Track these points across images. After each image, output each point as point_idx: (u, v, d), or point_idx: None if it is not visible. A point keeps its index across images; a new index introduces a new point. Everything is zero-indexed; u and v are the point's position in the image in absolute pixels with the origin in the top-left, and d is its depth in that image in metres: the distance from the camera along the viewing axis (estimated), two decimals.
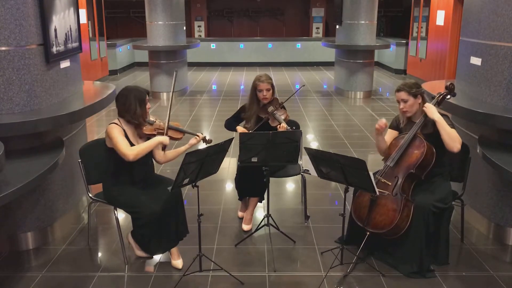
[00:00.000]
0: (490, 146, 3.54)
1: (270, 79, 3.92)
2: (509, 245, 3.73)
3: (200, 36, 16.47)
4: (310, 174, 3.36)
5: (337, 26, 10.13)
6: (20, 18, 3.36)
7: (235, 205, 4.41)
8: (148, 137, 3.42)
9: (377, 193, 3.07)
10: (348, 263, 3.35)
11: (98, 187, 3.60)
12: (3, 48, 3.32)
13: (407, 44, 12.71)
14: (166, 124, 3.38)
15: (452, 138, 3.22)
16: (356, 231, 3.46)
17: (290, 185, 5.06)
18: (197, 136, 3.46)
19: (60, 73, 3.91)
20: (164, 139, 3.32)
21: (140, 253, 3.52)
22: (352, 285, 3.20)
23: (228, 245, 3.75)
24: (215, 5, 17.19)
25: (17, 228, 3.63)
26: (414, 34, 12.09)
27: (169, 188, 2.98)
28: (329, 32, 16.87)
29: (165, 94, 9.70)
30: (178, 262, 3.41)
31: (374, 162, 5.37)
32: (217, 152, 3.11)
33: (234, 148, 3.65)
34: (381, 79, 12.45)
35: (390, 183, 3.35)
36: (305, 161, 3.35)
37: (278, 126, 3.76)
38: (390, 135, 3.61)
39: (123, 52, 13.77)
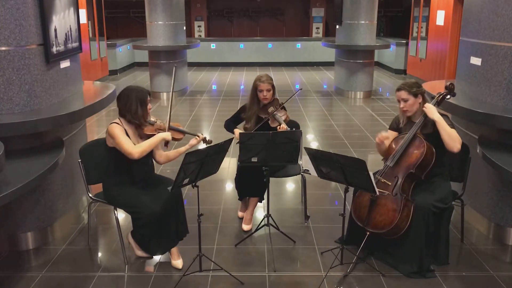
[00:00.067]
0: (490, 146, 3.54)
1: (271, 79, 3.92)
2: (509, 245, 3.73)
3: (200, 36, 16.47)
4: (310, 174, 3.36)
5: (337, 26, 10.13)
6: (20, 18, 3.36)
7: (235, 205, 4.41)
8: (149, 137, 3.42)
9: (377, 193, 3.07)
10: (348, 263, 3.36)
11: (98, 187, 3.60)
12: (3, 48, 3.32)
13: (407, 44, 12.71)
14: (167, 125, 3.39)
15: (452, 138, 3.22)
16: (356, 231, 3.46)
17: (290, 185, 5.06)
18: (198, 136, 3.47)
19: (60, 73, 3.91)
20: (167, 135, 3.32)
21: (140, 253, 3.52)
22: (352, 285, 3.20)
23: (228, 245, 3.75)
24: (215, 5, 17.20)
25: (17, 228, 3.63)
26: (414, 34, 12.09)
27: (169, 188, 2.98)
28: (329, 32, 16.87)
29: (165, 94, 9.70)
30: (178, 262, 3.41)
31: (374, 162, 5.37)
32: (217, 152, 3.11)
33: (234, 148, 3.65)
34: (381, 79, 12.46)
35: (390, 183, 3.35)
36: (305, 161, 3.35)
37: (278, 127, 3.76)
38: (390, 135, 3.61)
39: (123, 52, 13.77)
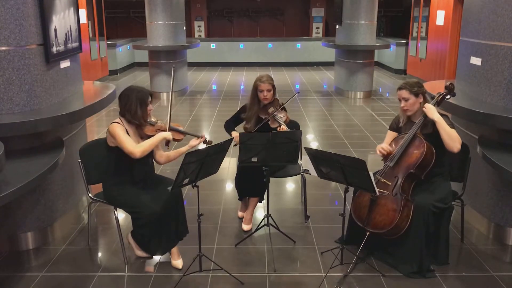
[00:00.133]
0: (490, 146, 3.54)
1: (272, 79, 3.92)
2: (509, 245, 3.73)
3: (200, 36, 16.47)
4: (310, 174, 3.36)
5: (337, 26, 10.13)
6: (20, 18, 3.36)
7: (235, 205, 4.41)
8: (150, 137, 3.42)
9: (377, 193, 3.07)
10: (348, 263, 3.36)
11: (98, 187, 3.60)
12: (3, 48, 3.32)
13: (407, 44, 12.71)
14: (168, 125, 3.39)
15: (452, 138, 3.22)
16: (356, 231, 3.46)
17: (290, 185, 5.06)
18: (198, 137, 3.47)
19: (60, 73, 3.91)
20: (168, 134, 3.33)
21: (140, 253, 3.52)
22: (352, 285, 3.20)
23: (228, 245, 3.75)
24: (215, 5, 17.20)
25: (17, 228, 3.63)
26: (414, 34, 12.09)
27: (169, 188, 2.98)
28: (329, 32, 16.87)
29: (165, 94, 9.70)
30: (178, 262, 3.41)
31: (374, 162, 5.37)
32: (217, 152, 3.11)
33: (234, 148, 3.65)
34: (381, 79, 12.46)
35: (390, 183, 3.35)
36: (305, 161, 3.35)
37: (278, 128, 3.75)
38: (389, 136, 3.61)
39: (123, 52, 13.77)
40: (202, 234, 3.27)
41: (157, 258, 3.53)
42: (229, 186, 4.95)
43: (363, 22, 9.46)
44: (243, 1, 17.20)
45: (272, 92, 3.92)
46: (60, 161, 3.44)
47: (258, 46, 14.88)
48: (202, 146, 3.43)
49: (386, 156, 3.49)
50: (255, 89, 3.93)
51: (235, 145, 3.56)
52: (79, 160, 3.47)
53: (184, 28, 10.06)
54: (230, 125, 4.09)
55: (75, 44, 4.28)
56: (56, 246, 3.72)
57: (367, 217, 3.35)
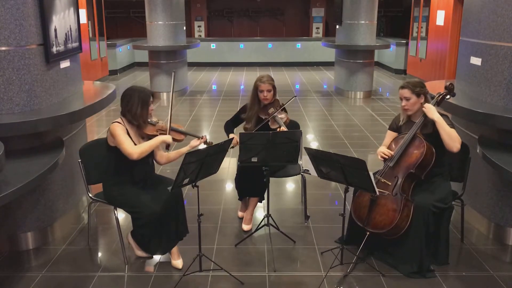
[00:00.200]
0: (490, 146, 3.54)
1: (272, 80, 3.92)
2: (509, 245, 3.73)
3: (200, 36, 16.47)
4: (310, 174, 3.36)
5: (337, 26, 10.13)
6: (20, 18, 3.36)
7: (235, 205, 4.41)
8: (150, 138, 3.43)
9: (377, 193, 3.07)
10: (348, 263, 3.36)
11: (98, 187, 3.60)
12: (3, 48, 3.32)
13: (407, 44, 12.71)
14: (168, 125, 3.39)
15: (451, 138, 3.22)
16: (356, 231, 3.46)
17: (290, 185, 5.06)
18: (199, 138, 3.47)
19: (60, 73, 3.91)
20: (167, 138, 3.32)
21: (140, 253, 3.52)
22: (352, 285, 3.20)
23: (228, 245, 3.75)
24: (215, 5, 17.20)
25: (17, 228, 3.63)
26: (414, 34, 12.09)
27: (169, 188, 2.98)
28: (329, 32, 16.87)
29: (165, 94, 9.70)
30: (178, 262, 3.41)
31: (374, 162, 5.37)
32: (217, 152, 3.11)
33: (234, 148, 3.65)
34: (381, 79, 12.46)
35: (390, 183, 3.35)
36: (305, 161, 3.35)
37: (278, 129, 3.75)
38: (389, 136, 3.61)
39: (123, 52, 13.77)
40: (202, 234, 3.27)
41: (157, 258, 3.54)
42: (229, 186, 4.95)
43: (363, 22, 9.46)
44: (243, 1, 17.20)
45: (272, 92, 3.92)
46: (60, 161, 3.44)
47: (258, 46, 14.88)
48: (203, 147, 3.43)
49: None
50: (256, 89, 3.93)
51: (232, 147, 3.55)
52: (79, 160, 3.47)
53: (184, 28, 10.06)
54: (229, 126, 4.08)
55: (75, 44, 4.28)
56: (56, 246, 3.73)
57: (367, 217, 3.35)
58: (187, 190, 4.68)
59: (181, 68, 10.11)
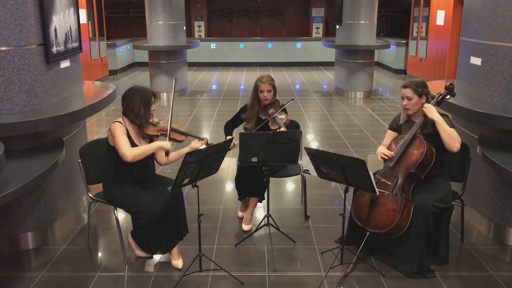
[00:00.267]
0: (490, 146, 3.54)
1: (272, 80, 3.92)
2: (509, 245, 3.73)
3: (200, 36, 16.47)
4: (310, 174, 3.36)
5: (337, 26, 10.13)
6: (20, 18, 3.36)
7: (235, 205, 4.41)
8: (151, 138, 3.43)
9: (377, 193, 3.07)
10: (348, 263, 3.36)
11: (98, 187, 3.60)
12: (3, 48, 3.32)
13: (407, 44, 12.71)
14: (169, 126, 3.38)
15: (451, 138, 3.22)
16: (356, 231, 3.46)
17: (290, 185, 5.06)
18: (200, 139, 3.46)
19: (60, 73, 3.91)
20: (165, 144, 3.31)
21: (140, 253, 3.52)
22: (352, 285, 3.20)
23: (228, 245, 3.75)
24: (215, 5, 17.20)
25: (17, 228, 3.63)
26: (414, 34, 12.09)
27: (169, 188, 2.98)
28: (329, 32, 16.87)
29: (165, 94, 9.70)
30: (178, 262, 3.41)
31: (374, 162, 5.36)
32: (217, 152, 3.11)
33: (234, 148, 3.65)
34: (381, 79, 12.46)
35: (390, 183, 3.35)
36: (305, 161, 3.35)
37: (278, 130, 3.75)
38: (389, 136, 3.61)
39: (123, 52, 13.77)
40: (202, 234, 3.27)
41: (157, 258, 3.54)
42: (229, 186, 4.95)
43: (363, 22, 9.46)
44: (243, 1, 17.20)
45: (272, 92, 3.92)
46: (60, 161, 3.44)
47: (258, 46, 14.88)
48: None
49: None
50: (256, 90, 3.93)
51: (229, 149, 3.54)
52: (79, 160, 3.47)
53: (184, 28, 10.06)
54: (229, 127, 4.08)
55: (75, 44, 4.28)
56: (56, 246, 3.72)
57: (367, 217, 3.35)
58: (187, 190, 4.68)
59: (181, 68, 10.11)
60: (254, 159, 3.45)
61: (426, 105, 3.36)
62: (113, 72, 12.78)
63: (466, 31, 4.13)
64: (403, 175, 3.33)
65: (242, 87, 11.31)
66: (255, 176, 3.74)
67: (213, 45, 14.89)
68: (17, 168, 3.12)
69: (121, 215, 4.06)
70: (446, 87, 3.50)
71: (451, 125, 3.29)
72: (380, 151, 3.47)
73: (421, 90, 3.38)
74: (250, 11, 17.40)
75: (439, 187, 3.37)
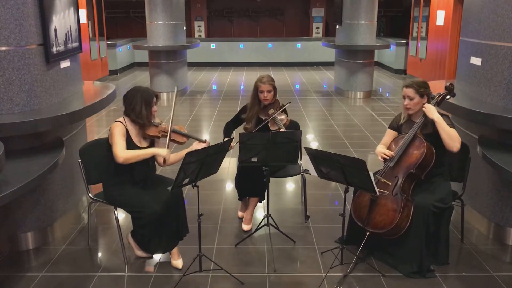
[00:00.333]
0: (490, 146, 3.54)
1: (272, 80, 3.92)
2: (509, 245, 3.73)
3: (200, 36, 16.47)
4: (310, 174, 3.36)
5: (337, 26, 10.13)
6: (20, 18, 3.36)
7: (235, 205, 4.41)
8: (152, 138, 3.43)
9: (377, 193, 3.07)
10: (348, 263, 3.36)
11: (98, 187, 3.60)
12: (3, 48, 3.32)
13: (407, 44, 12.71)
14: (170, 127, 3.38)
15: (451, 138, 3.22)
16: (356, 231, 3.46)
17: (290, 185, 5.06)
18: (201, 141, 3.45)
19: (60, 73, 3.91)
20: (161, 151, 3.30)
21: (140, 253, 3.52)
22: (352, 285, 3.20)
23: (228, 245, 3.75)
24: (215, 5, 17.20)
25: (17, 228, 3.63)
26: (414, 34, 12.09)
27: (169, 188, 2.98)
28: (329, 32, 16.87)
29: (165, 94, 9.69)
30: (178, 262, 3.41)
31: (374, 162, 5.36)
32: (217, 152, 3.12)
33: (235, 148, 3.65)
34: (381, 79, 12.46)
35: (390, 183, 3.35)
36: (305, 161, 3.35)
37: (278, 130, 3.74)
38: (389, 135, 3.61)
39: (123, 52, 13.77)
40: (202, 234, 3.27)
41: (157, 258, 3.54)
42: (229, 186, 4.95)
43: (363, 22, 9.46)
44: (243, 1, 17.20)
45: (272, 93, 3.92)
46: (60, 161, 3.44)
47: (258, 46, 14.88)
48: None
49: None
50: (256, 90, 3.92)
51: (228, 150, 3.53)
52: (79, 160, 3.47)
53: (184, 28, 10.06)
54: (229, 127, 4.07)
55: (75, 44, 4.28)
56: (56, 246, 3.72)
57: (367, 217, 3.35)
58: (187, 190, 4.68)
59: (181, 68, 10.11)
60: (254, 159, 3.45)
61: (426, 105, 3.36)
62: (113, 72, 12.78)
63: (466, 31, 4.13)
64: (403, 175, 3.33)
65: (242, 87, 11.31)
66: (255, 176, 3.74)
67: (213, 45, 14.89)
68: (17, 168, 3.12)
69: (121, 215, 4.06)
70: (446, 87, 3.50)
71: (452, 125, 3.29)
72: (380, 150, 3.47)
73: (423, 90, 3.38)
74: (250, 11, 17.40)
75: (439, 187, 3.37)
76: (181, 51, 9.96)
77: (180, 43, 9.76)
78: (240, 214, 4.22)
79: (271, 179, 3.78)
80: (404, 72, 12.87)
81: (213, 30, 17.24)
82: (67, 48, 4.06)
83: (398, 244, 3.34)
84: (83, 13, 10.22)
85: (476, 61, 3.92)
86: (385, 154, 3.42)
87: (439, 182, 3.41)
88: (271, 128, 3.82)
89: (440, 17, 10.38)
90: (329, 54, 13.15)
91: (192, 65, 13.73)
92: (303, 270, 3.41)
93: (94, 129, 7.29)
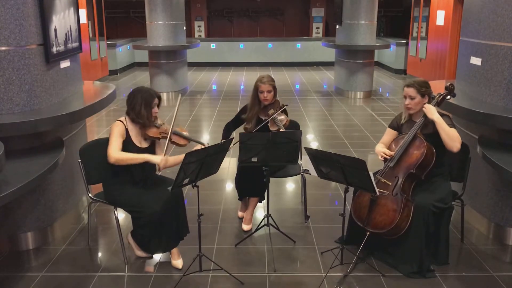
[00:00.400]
0: (490, 146, 3.54)
1: (273, 80, 3.92)
2: (509, 245, 3.73)
3: (200, 36, 16.47)
4: (310, 174, 3.36)
5: (337, 26, 10.14)
6: (20, 18, 3.36)
7: (235, 205, 4.41)
8: (152, 139, 3.43)
9: (377, 193, 3.07)
10: (348, 263, 3.36)
11: (98, 187, 3.60)
12: (3, 48, 3.32)
13: (407, 44, 12.71)
14: (170, 129, 3.38)
15: (451, 138, 3.22)
16: (356, 231, 3.46)
17: (290, 185, 5.06)
18: (202, 145, 3.45)
19: (60, 73, 3.91)
20: (154, 158, 3.29)
21: (140, 253, 3.52)
22: (352, 285, 3.20)
23: (228, 245, 3.75)
24: (215, 5, 17.20)
25: (17, 228, 3.63)
26: (414, 34, 12.09)
27: (169, 188, 2.98)
28: (329, 32, 16.87)
29: (165, 94, 9.69)
30: (178, 262, 3.41)
31: (374, 162, 5.36)
32: (217, 152, 3.11)
33: (234, 148, 3.65)
34: (381, 79, 12.46)
35: (390, 183, 3.35)
36: (305, 161, 3.36)
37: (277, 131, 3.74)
38: (390, 135, 3.61)
39: (123, 52, 13.77)
40: (202, 234, 3.27)
41: (157, 258, 3.54)
42: (229, 186, 4.95)
43: (363, 22, 9.46)
44: (243, 1, 17.20)
45: (272, 93, 3.91)
46: (60, 161, 3.44)
47: (258, 46, 14.88)
48: None
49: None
50: (256, 90, 3.92)
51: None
52: (79, 160, 3.47)
53: (184, 28, 10.06)
54: (229, 128, 4.07)
55: (75, 44, 4.28)
56: (56, 246, 3.72)
57: (367, 217, 3.35)
58: (187, 190, 4.68)
59: (181, 68, 10.11)
60: (254, 159, 3.45)
61: (426, 105, 3.36)
62: (113, 72, 12.78)
63: (466, 31, 4.13)
64: (404, 175, 3.33)
65: (242, 87, 11.31)
66: (255, 176, 3.74)
67: (213, 45, 14.89)
68: (17, 168, 3.12)
69: (121, 215, 4.06)
70: (446, 88, 3.50)
71: (452, 125, 3.29)
72: (380, 150, 3.47)
73: (424, 89, 3.38)
74: (250, 11, 17.40)
75: (439, 187, 3.37)
76: (181, 51, 9.96)
77: (180, 43, 9.76)
78: (240, 214, 4.22)
79: (271, 179, 3.78)
80: (404, 72, 12.87)
81: (213, 30, 17.24)
82: (67, 48, 4.06)
83: (398, 244, 3.34)
84: (83, 13, 10.22)
85: (476, 61, 3.92)
86: (385, 154, 3.42)
87: (439, 182, 3.41)
88: (271, 129, 3.82)
89: (440, 17, 10.38)
90: (329, 54, 13.15)
91: (192, 65, 13.73)
92: (303, 270, 3.41)
93: (94, 129, 7.29)
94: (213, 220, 4.15)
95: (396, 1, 16.00)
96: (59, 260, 3.53)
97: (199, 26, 16.64)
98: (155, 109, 3.38)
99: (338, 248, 3.45)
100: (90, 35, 11.08)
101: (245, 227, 3.97)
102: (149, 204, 3.24)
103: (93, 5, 11.37)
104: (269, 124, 3.85)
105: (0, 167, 2.72)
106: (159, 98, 3.43)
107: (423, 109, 3.36)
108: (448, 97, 3.50)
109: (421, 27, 11.61)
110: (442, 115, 3.33)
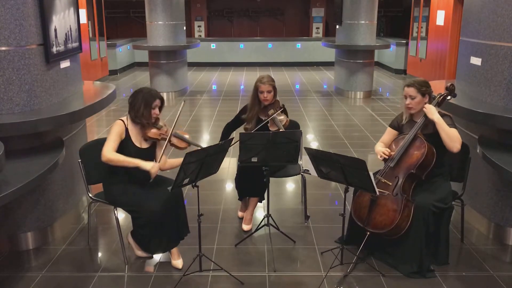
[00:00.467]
0: (490, 146, 3.54)
1: (273, 80, 3.92)
2: (509, 245, 3.73)
3: (200, 36, 16.47)
4: (310, 174, 3.36)
5: (337, 26, 10.14)
6: (20, 18, 3.36)
7: (235, 205, 4.41)
8: (153, 140, 3.43)
9: (377, 193, 3.07)
10: (348, 263, 3.36)
11: (98, 187, 3.60)
12: (3, 48, 3.32)
13: (407, 44, 12.71)
14: (171, 131, 3.38)
15: (451, 138, 3.22)
16: (356, 231, 3.46)
17: (290, 185, 5.06)
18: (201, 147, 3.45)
19: (60, 73, 3.91)
20: (145, 165, 3.25)
21: (140, 253, 3.52)
22: (352, 285, 3.20)
23: (228, 245, 3.75)
24: (215, 5, 17.20)
25: (17, 228, 3.63)
26: (414, 34, 12.09)
27: (169, 188, 2.98)
28: (329, 32, 16.87)
29: (165, 94, 9.69)
30: (178, 262, 3.41)
31: (374, 162, 5.36)
32: (217, 152, 3.12)
33: (234, 148, 3.65)
34: (381, 79, 12.46)
35: (390, 183, 3.35)
36: (305, 161, 3.35)
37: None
38: (390, 135, 3.61)
39: (123, 52, 13.77)
40: (202, 234, 3.27)
41: (157, 258, 3.53)
42: (229, 186, 4.95)
43: (363, 22, 9.46)
44: (243, 1, 17.20)
45: (272, 93, 3.91)
46: (60, 161, 3.44)
47: (258, 46, 14.88)
48: None
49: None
50: (256, 90, 3.92)
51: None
52: (79, 160, 3.47)
53: (184, 28, 10.06)
54: (229, 128, 4.07)
55: (75, 44, 4.28)
56: (56, 246, 3.72)
57: (367, 217, 3.35)
58: (187, 190, 4.68)
59: (181, 68, 10.11)
60: (254, 159, 3.45)
61: (427, 105, 3.36)
62: (113, 72, 12.78)
63: (466, 31, 4.13)
64: (404, 175, 3.33)
65: (242, 87, 11.31)
66: (255, 176, 3.74)
67: (213, 45, 14.89)
68: (17, 168, 3.12)
69: (121, 215, 4.06)
70: (447, 88, 3.50)
71: (453, 126, 3.29)
72: (380, 150, 3.47)
73: (424, 89, 3.38)
74: (250, 11, 17.40)
75: (440, 187, 3.37)
76: (181, 51, 9.96)
77: (180, 43, 9.76)
78: (240, 214, 4.22)
79: (271, 179, 3.78)
80: (404, 72, 12.87)
81: (213, 30, 17.24)
82: (67, 48, 4.06)
83: (398, 244, 3.34)
84: (83, 13, 10.22)
85: (476, 61, 3.92)
86: (384, 153, 3.42)
87: (440, 182, 3.41)
88: (271, 129, 3.82)
89: (440, 17, 10.38)
90: (329, 54, 13.15)
91: (192, 65, 13.73)
92: (303, 270, 3.41)
93: (94, 129, 7.29)
94: (213, 220, 4.15)
95: (396, 1, 16.00)
96: (59, 260, 3.53)
97: (199, 26, 16.64)
98: (156, 110, 3.38)
99: (338, 248, 3.45)
100: (90, 35, 11.08)
101: (245, 227, 3.97)
102: (149, 204, 3.24)
103: (93, 5, 11.37)
104: (268, 124, 3.85)
105: (0, 167, 2.72)
106: (162, 101, 3.43)
107: (424, 109, 3.36)
108: (449, 97, 3.50)
109: (421, 27, 11.61)
110: (443, 115, 3.33)
